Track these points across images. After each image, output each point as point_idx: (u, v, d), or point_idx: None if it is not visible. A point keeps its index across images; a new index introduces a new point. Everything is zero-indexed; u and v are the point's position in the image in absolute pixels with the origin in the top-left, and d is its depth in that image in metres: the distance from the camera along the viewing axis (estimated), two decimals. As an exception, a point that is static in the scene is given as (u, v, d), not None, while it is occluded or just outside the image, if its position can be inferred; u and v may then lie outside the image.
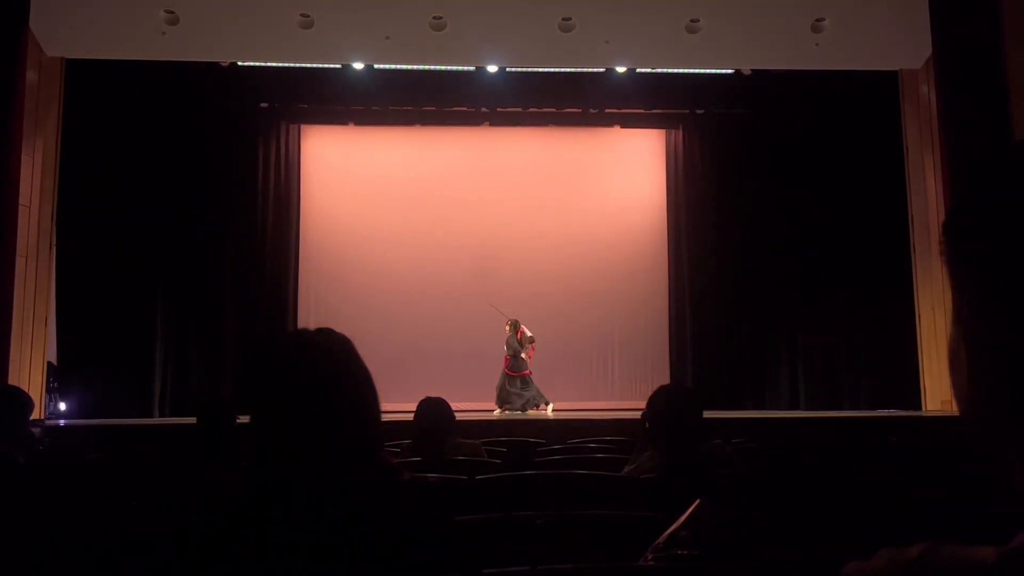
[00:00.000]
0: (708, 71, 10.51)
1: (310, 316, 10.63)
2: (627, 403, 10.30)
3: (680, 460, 2.84)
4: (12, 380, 7.86)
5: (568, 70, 10.39)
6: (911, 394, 9.69)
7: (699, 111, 11.09)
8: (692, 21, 9.19)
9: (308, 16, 9.04)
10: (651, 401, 3.00)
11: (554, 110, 10.95)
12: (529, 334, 9.73)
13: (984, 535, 0.65)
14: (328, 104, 10.74)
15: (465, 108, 10.85)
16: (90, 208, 9.84)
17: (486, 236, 11.01)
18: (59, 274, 9.61)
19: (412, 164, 11.16)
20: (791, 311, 10.57)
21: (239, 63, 10.08)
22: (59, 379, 9.52)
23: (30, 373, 8.86)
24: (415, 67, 10.19)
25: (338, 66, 10.12)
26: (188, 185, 10.29)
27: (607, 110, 10.94)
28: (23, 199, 8.57)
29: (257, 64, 10.14)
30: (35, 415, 5.02)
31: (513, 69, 10.24)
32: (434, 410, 3.81)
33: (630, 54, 9.82)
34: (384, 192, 11.05)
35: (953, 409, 8.81)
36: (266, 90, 10.52)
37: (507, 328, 9.74)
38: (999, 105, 7.40)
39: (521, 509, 2.34)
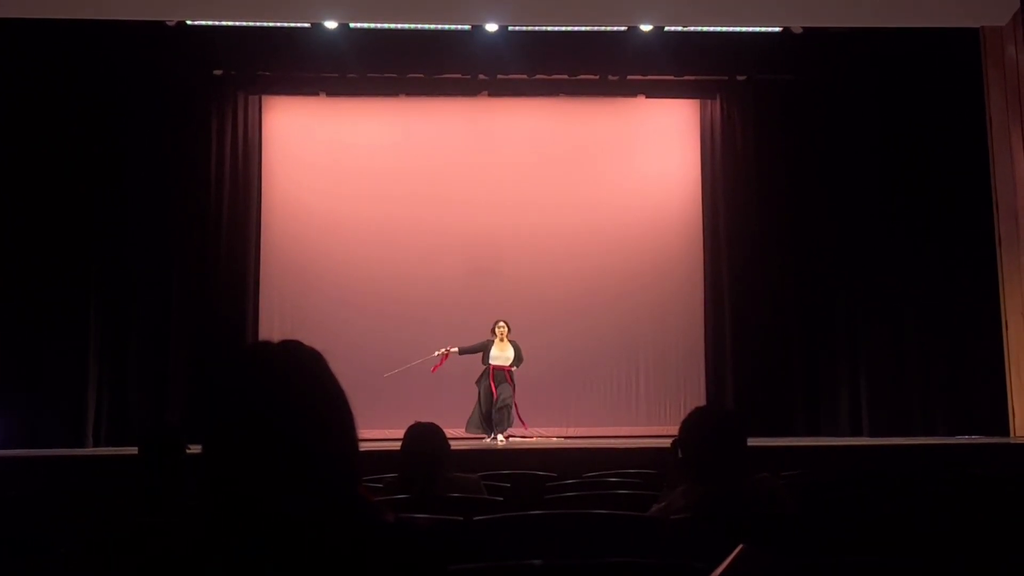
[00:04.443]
0: (750, 29, 10.50)
1: (273, 326, 10.65)
2: (656, 429, 10.31)
3: (719, 497, 2.84)
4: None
5: (583, 29, 10.39)
6: (996, 417, 9.65)
7: (740, 77, 11.09)
8: (731, -31, 9.21)
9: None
10: (684, 426, 2.99)
11: (566, 77, 10.95)
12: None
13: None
14: (294, 71, 10.76)
15: (459, 75, 10.86)
16: (9, 198, 9.86)
17: (485, 228, 11.02)
18: (-28, 277, 9.65)
19: (396, 142, 11.17)
20: (852, 318, 10.56)
21: (188, 22, 10.09)
22: (-27, 402, 9.53)
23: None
24: (399, 26, 10.20)
25: (306, 25, 10.13)
26: (128, 168, 10.31)
27: (629, 77, 10.95)
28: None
29: (210, 23, 10.15)
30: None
31: (516, 28, 10.25)
32: (424, 438, 3.81)
33: (657, 9, 9.83)
34: (362, 176, 11.06)
35: (1048, 435, 8.79)
36: (220, 54, 10.53)
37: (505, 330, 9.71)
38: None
39: (527, 556, 2.34)
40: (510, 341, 9.65)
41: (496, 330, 9.62)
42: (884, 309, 10.41)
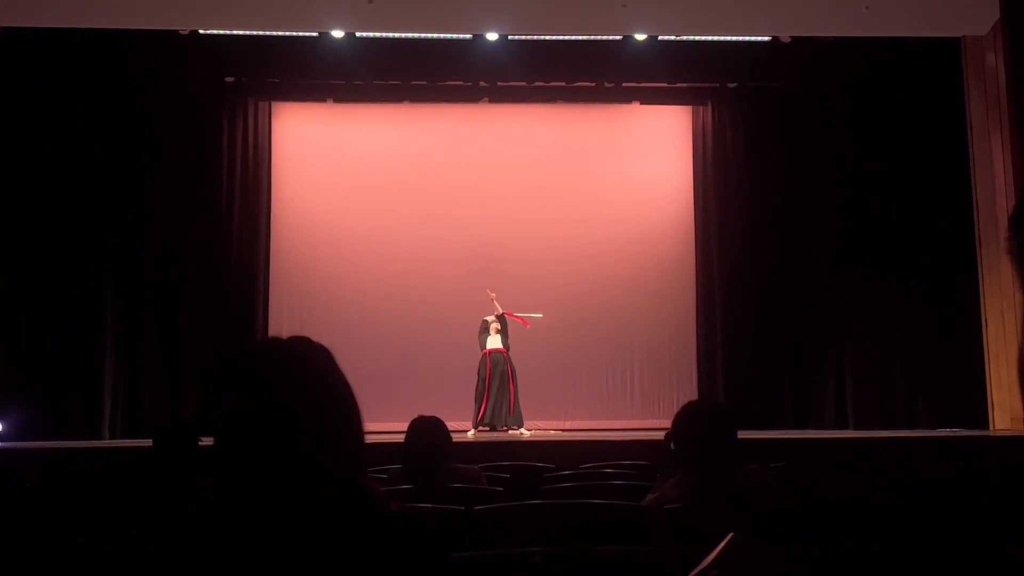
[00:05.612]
0: (741, 38, 10.50)
1: (283, 323, 10.64)
2: (649, 422, 10.30)
3: (711, 488, 2.84)
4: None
5: (580, 38, 10.39)
6: (977, 411, 9.66)
7: (731, 84, 11.08)
8: (723, -19, 9.20)
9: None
10: (677, 420, 2.99)
11: (563, 84, 10.95)
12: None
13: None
14: (303, 78, 10.75)
15: (461, 82, 10.85)
16: (27, 201, 9.85)
17: (485, 230, 11.01)
18: (-7, 276, 9.65)
19: (400, 147, 11.17)
20: (838, 316, 10.56)
21: (200, 31, 10.09)
22: (-6, 396, 9.53)
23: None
24: (403, 35, 10.20)
25: (315, 34, 10.13)
26: (141, 173, 10.30)
27: (625, 84, 10.95)
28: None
29: (221, 32, 10.15)
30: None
31: (516, 37, 10.25)
32: (427, 431, 3.82)
33: (651, 19, 9.82)
34: (368, 180, 11.05)
35: (1026, 428, 8.79)
36: (232, 62, 10.53)
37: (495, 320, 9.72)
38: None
39: (526, 544, 2.34)
40: (501, 330, 9.67)
41: (491, 329, 9.65)
42: (870, 308, 10.40)
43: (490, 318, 9.75)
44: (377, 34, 10.18)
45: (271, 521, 1.31)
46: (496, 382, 9.40)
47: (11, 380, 9.63)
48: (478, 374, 9.55)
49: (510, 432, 9.27)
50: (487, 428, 9.34)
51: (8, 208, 9.78)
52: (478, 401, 9.41)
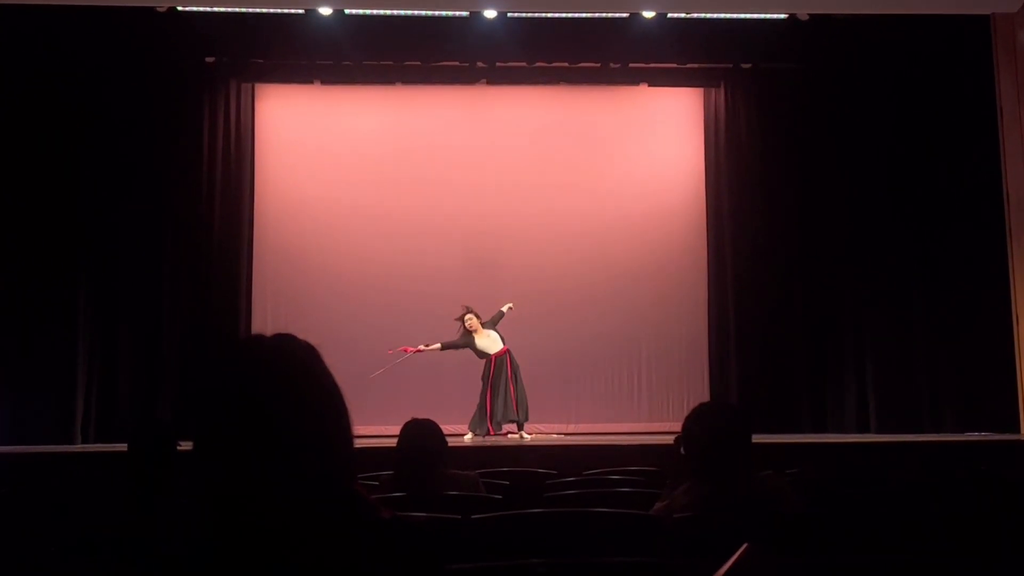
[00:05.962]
0: (756, 16, 10.47)
1: (267, 319, 10.65)
2: (658, 425, 10.30)
3: (723, 495, 2.84)
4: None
5: (584, 15, 10.37)
6: (1007, 413, 9.65)
7: (745, 65, 11.06)
8: (736, -46, 9.20)
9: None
10: (687, 423, 3.00)
11: (566, 65, 10.93)
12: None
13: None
14: (288, 58, 10.73)
15: (457, 62, 10.83)
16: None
17: (483, 220, 11.01)
18: (-43, 269, 9.64)
19: (392, 131, 11.16)
20: (858, 311, 10.55)
21: (179, 8, 10.06)
22: (-41, 398, 9.52)
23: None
24: (395, 12, 10.18)
25: (300, 12, 10.10)
26: (117, 158, 10.27)
27: (632, 64, 10.93)
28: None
29: (201, 9, 10.12)
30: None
31: (516, 14, 10.22)
32: (420, 434, 3.82)
33: (660, -5, 9.82)
34: (358, 166, 11.05)
35: (1059, 431, 8.79)
36: (213, 41, 10.49)
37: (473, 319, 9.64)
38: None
39: (527, 555, 2.34)
40: (488, 325, 9.60)
41: (466, 326, 9.57)
42: (892, 303, 10.40)
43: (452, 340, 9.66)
44: (367, 11, 10.15)
45: (255, 529, 1.31)
46: (496, 387, 9.39)
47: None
48: (482, 380, 9.53)
49: (509, 436, 9.27)
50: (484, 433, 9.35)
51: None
52: (481, 409, 9.40)
